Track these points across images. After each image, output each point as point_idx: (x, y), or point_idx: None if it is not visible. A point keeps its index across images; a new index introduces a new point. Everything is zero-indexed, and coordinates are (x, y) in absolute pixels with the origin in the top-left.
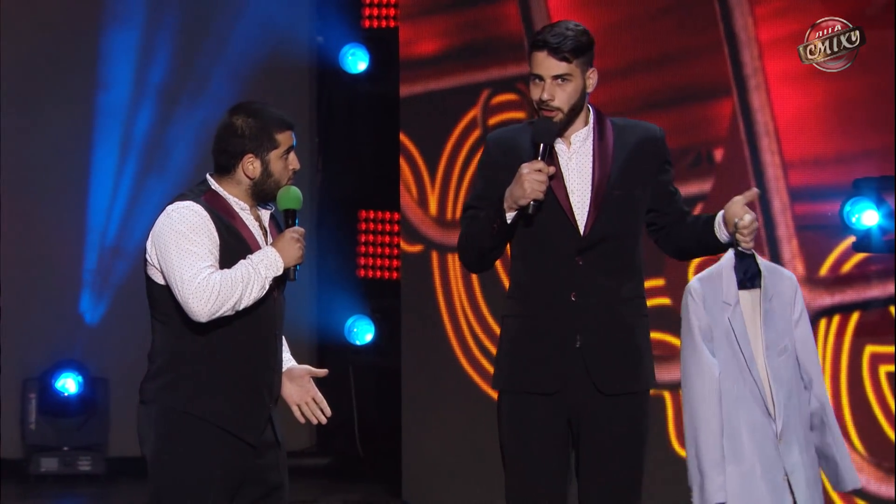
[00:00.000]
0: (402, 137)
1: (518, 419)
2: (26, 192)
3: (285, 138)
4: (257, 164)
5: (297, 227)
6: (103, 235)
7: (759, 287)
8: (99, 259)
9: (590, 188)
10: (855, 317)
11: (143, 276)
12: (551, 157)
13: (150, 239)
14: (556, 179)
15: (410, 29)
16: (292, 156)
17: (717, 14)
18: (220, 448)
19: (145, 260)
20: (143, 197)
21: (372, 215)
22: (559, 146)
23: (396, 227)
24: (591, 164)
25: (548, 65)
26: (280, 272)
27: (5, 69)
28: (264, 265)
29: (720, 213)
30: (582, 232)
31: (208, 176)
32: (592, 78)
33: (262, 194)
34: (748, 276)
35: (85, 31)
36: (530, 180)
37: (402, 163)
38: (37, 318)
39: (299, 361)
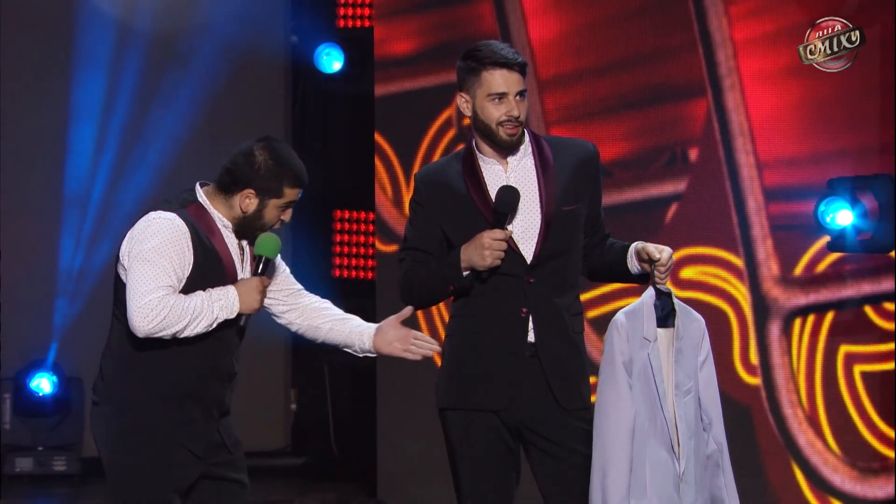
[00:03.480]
0: (377, 137)
1: (467, 437)
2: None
3: (292, 194)
4: (255, 202)
5: (264, 277)
6: (78, 236)
7: (673, 326)
8: (72, 259)
9: (538, 207)
10: (829, 316)
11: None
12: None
13: (126, 239)
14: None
15: (385, 29)
16: (289, 210)
17: (691, 14)
18: (171, 449)
19: (117, 258)
20: (118, 198)
21: (347, 215)
22: (496, 167)
23: (371, 227)
24: (535, 184)
25: (513, 80)
26: (233, 316)
27: None
28: (219, 305)
29: (633, 245)
30: (529, 260)
31: (198, 186)
32: None
33: (244, 230)
34: (663, 315)
35: (59, 29)
36: (491, 251)
37: (377, 162)
38: (11, 319)
39: (274, 362)
